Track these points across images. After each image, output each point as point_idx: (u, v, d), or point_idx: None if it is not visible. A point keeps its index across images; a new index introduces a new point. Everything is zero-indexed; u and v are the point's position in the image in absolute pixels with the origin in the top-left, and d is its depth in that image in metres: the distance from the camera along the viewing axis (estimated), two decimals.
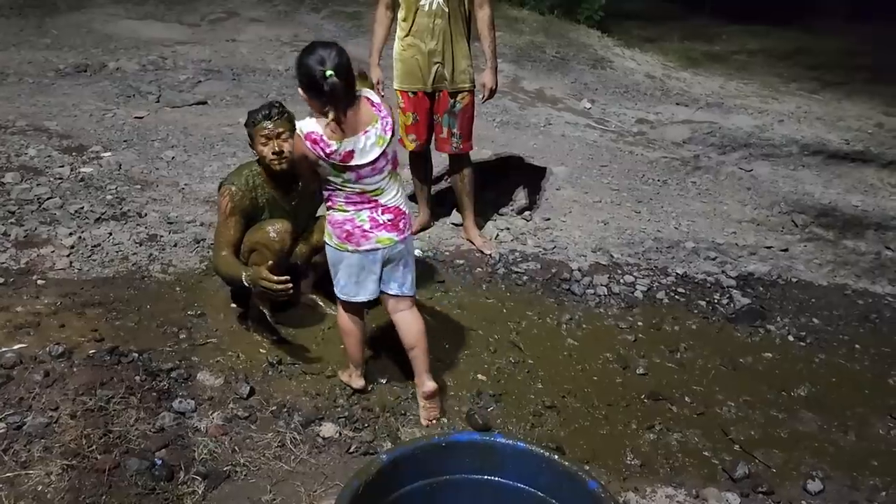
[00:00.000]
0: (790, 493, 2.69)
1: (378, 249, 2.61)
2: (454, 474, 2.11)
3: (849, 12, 12.11)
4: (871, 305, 4.03)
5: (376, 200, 2.55)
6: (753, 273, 4.17)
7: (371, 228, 2.57)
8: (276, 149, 2.90)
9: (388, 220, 2.59)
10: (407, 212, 2.66)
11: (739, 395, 3.19)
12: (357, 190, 2.52)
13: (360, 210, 2.55)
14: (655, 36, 10.82)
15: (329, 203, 2.60)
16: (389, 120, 2.52)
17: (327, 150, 2.41)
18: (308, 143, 2.42)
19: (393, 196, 2.59)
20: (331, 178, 2.51)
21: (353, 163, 2.44)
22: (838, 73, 9.24)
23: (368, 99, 2.50)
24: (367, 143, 2.45)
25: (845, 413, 3.15)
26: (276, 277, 2.64)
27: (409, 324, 2.77)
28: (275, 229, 2.92)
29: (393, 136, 2.53)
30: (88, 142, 4.79)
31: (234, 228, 2.94)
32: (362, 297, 2.70)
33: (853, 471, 2.82)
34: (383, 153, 2.50)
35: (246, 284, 2.77)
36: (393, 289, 2.71)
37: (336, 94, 2.33)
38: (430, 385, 2.77)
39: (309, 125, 2.44)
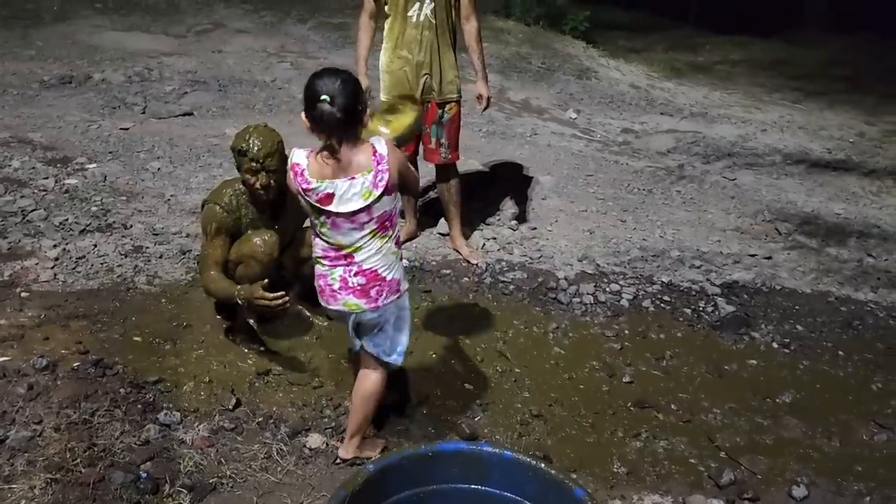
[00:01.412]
0: (775, 499, 2.72)
1: (345, 313, 2.43)
2: (441, 484, 2.12)
3: (830, 24, 12.28)
4: (854, 312, 4.07)
5: (352, 257, 2.33)
6: (738, 281, 4.20)
7: (339, 289, 2.38)
8: (263, 182, 2.84)
9: (359, 285, 2.36)
10: (387, 278, 2.38)
11: (725, 402, 3.21)
12: (333, 243, 2.33)
13: (335, 267, 2.36)
14: (640, 47, 10.92)
15: (313, 248, 2.43)
16: (385, 176, 2.25)
17: (305, 186, 2.26)
18: (291, 174, 2.30)
19: (371, 257, 2.33)
20: (312, 218, 2.36)
21: (329, 208, 2.26)
22: (820, 83, 9.36)
23: (373, 147, 2.28)
24: (350, 192, 2.24)
25: (829, 419, 3.18)
26: (271, 295, 2.61)
27: (360, 384, 2.56)
28: (262, 240, 2.91)
29: (385, 194, 2.27)
30: (73, 153, 4.76)
31: (221, 247, 2.92)
32: (352, 347, 2.59)
33: (838, 476, 2.85)
34: (367, 209, 2.26)
35: (239, 302, 2.76)
36: (368, 346, 2.51)
37: (324, 121, 2.17)
38: (342, 452, 2.60)
39: (297, 156, 2.30)
